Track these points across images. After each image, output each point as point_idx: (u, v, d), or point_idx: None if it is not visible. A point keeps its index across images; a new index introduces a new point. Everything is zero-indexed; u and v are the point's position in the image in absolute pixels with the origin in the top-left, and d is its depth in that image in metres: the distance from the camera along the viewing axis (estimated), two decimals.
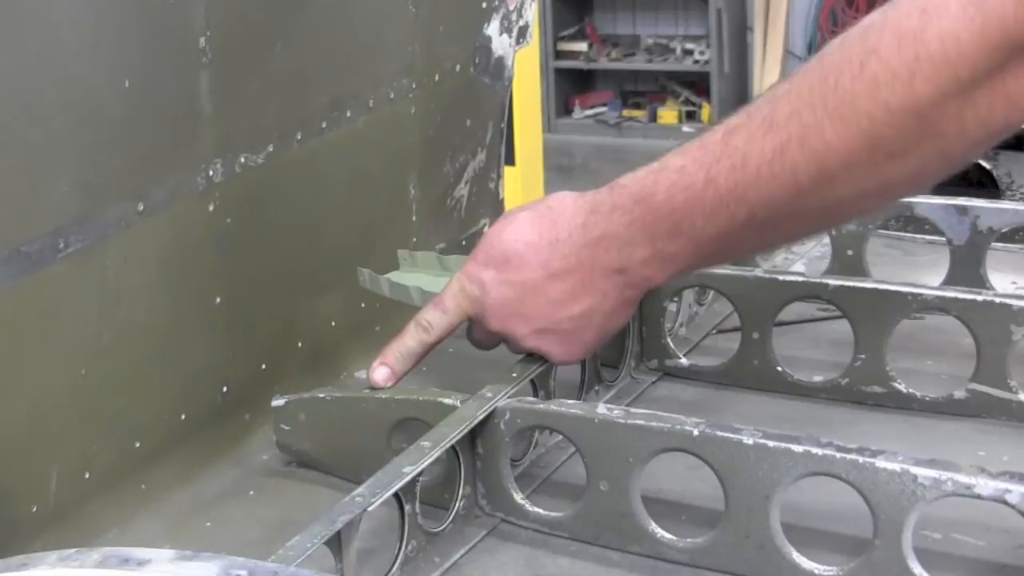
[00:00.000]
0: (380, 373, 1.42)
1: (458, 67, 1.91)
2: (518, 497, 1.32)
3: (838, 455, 1.15)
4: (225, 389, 1.54)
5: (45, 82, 1.24)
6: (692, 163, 1.18)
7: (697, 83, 8.88)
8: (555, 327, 1.29)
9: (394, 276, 1.60)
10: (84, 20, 1.26)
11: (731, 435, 1.20)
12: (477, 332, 1.40)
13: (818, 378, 1.57)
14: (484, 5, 1.93)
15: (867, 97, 1.12)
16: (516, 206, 1.36)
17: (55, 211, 1.27)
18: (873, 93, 1.12)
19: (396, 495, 1.19)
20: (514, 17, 1.99)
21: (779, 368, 1.58)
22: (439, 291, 1.42)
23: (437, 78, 1.85)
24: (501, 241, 1.30)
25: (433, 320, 1.40)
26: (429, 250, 1.70)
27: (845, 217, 1.59)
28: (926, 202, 1.78)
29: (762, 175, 1.17)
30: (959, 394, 1.50)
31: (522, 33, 2.02)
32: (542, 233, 1.26)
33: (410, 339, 1.42)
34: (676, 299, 1.67)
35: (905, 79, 1.10)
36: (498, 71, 2.00)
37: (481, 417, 1.30)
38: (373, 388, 1.43)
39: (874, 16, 1.14)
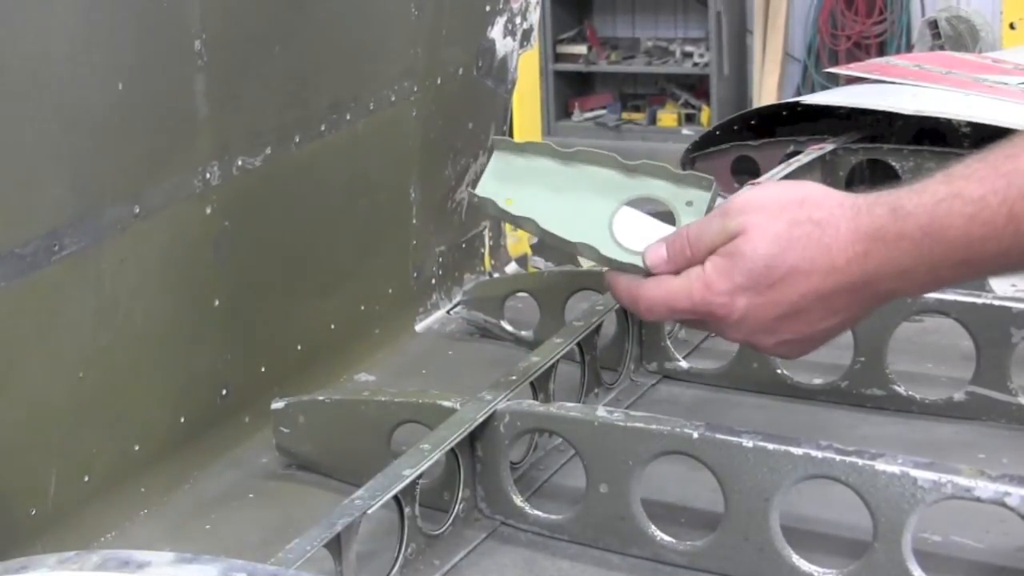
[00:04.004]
0: None
1: (461, 70, 1.90)
2: (518, 500, 1.32)
3: (838, 458, 1.15)
4: (224, 392, 1.54)
5: (37, 84, 1.23)
6: (992, 195, 1.08)
7: (696, 85, 8.89)
8: (803, 339, 1.20)
9: (493, 187, 1.32)
10: (77, 22, 1.26)
11: (731, 438, 1.20)
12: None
13: (818, 381, 1.57)
14: (488, 8, 1.93)
15: None
16: (759, 205, 1.17)
17: (50, 213, 1.27)
18: None
19: (396, 498, 1.19)
20: (518, 20, 1.99)
21: (779, 371, 1.58)
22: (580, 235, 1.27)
23: (439, 81, 1.85)
24: (766, 266, 1.15)
25: (661, 315, 1.24)
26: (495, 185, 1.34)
27: None
28: None
29: None
30: (959, 397, 1.50)
31: (526, 36, 2.03)
32: (815, 259, 1.14)
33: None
34: None
35: None
36: (501, 74, 2.00)
37: (480, 420, 1.30)
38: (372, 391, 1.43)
39: None
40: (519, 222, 1.30)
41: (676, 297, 1.19)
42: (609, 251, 1.25)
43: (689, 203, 1.25)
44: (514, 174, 1.32)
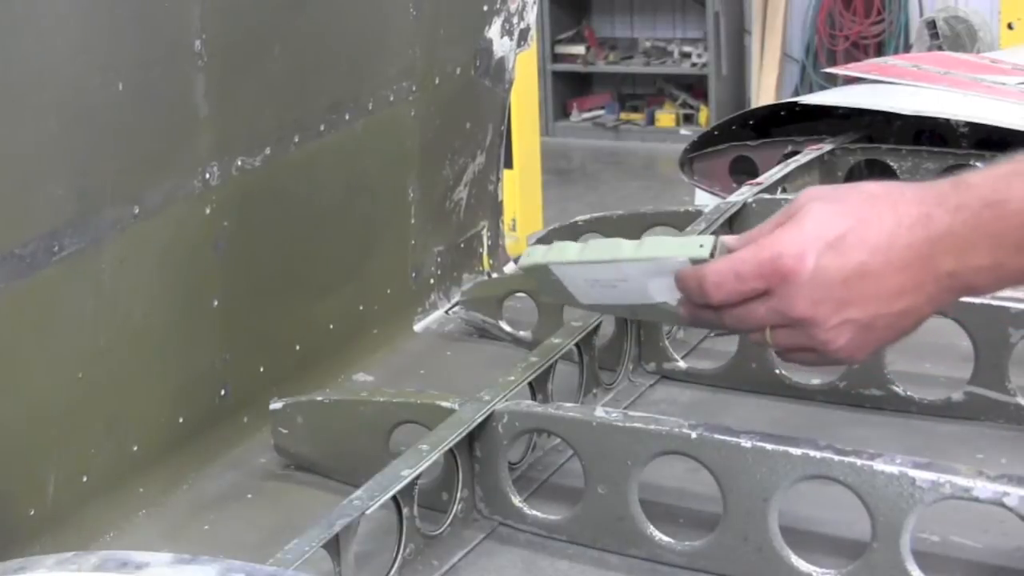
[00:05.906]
0: None
1: (459, 70, 1.91)
2: (516, 500, 1.32)
3: (836, 458, 1.16)
4: (223, 392, 1.54)
5: (37, 84, 1.23)
6: None
7: (695, 86, 8.89)
8: (865, 320, 1.13)
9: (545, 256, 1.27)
10: (77, 22, 1.26)
11: (729, 438, 1.20)
12: (741, 315, 1.17)
13: (816, 381, 1.57)
14: (486, 8, 1.93)
15: None
16: (820, 193, 1.15)
17: (49, 213, 1.27)
18: None
19: (394, 498, 1.19)
20: (515, 20, 2.00)
21: (777, 371, 1.58)
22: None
23: (437, 81, 1.85)
24: (835, 213, 1.11)
25: (729, 287, 1.15)
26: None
27: None
28: None
29: None
30: (957, 397, 1.50)
31: (523, 35, 2.03)
32: (882, 215, 1.10)
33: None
34: None
35: None
36: (499, 73, 2.00)
37: (479, 420, 1.30)
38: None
39: None
40: (570, 273, 1.24)
41: (743, 260, 1.13)
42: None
43: (701, 245, 1.21)
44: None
